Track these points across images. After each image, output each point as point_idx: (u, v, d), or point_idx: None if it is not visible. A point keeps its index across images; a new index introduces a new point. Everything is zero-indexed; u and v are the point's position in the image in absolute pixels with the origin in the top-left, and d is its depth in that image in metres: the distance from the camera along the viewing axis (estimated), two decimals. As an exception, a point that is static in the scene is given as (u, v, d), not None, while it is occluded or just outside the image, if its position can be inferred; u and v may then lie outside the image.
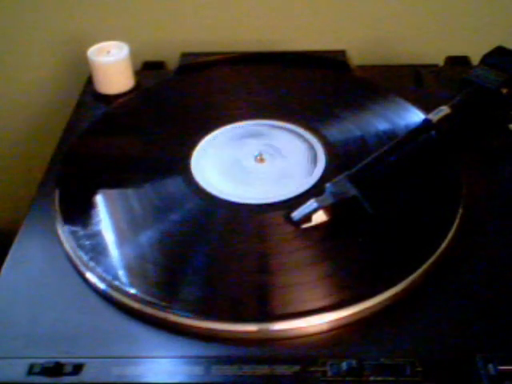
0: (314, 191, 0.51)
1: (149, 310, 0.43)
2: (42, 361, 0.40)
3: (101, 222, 0.50)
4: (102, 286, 0.45)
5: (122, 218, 0.51)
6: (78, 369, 0.39)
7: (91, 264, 0.46)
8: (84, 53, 0.66)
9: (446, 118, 0.56)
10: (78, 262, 0.47)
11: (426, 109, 0.59)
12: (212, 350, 0.41)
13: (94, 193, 0.53)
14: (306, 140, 0.58)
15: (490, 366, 0.38)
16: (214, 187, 0.53)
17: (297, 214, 0.49)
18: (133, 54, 0.67)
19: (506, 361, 0.39)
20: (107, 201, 0.53)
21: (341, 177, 0.51)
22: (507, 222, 0.50)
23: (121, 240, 0.49)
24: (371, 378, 0.38)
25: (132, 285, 0.44)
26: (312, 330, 0.42)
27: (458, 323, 0.42)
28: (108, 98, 0.67)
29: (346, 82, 0.68)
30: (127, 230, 0.50)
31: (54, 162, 0.58)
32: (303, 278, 0.45)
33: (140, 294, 0.43)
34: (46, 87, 0.82)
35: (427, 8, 0.75)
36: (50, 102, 0.83)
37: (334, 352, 0.40)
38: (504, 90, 0.57)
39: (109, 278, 0.45)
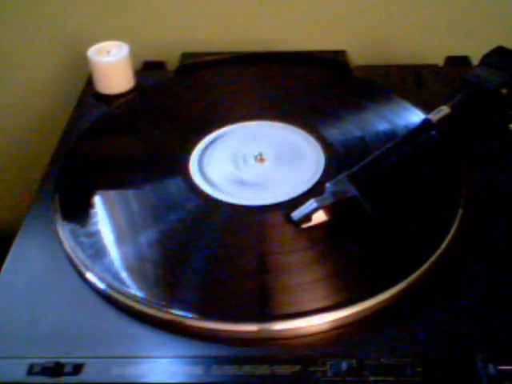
0: (314, 191, 0.51)
1: (149, 310, 0.43)
2: (42, 361, 0.40)
3: (101, 222, 0.50)
4: (101, 285, 0.45)
5: (121, 218, 0.51)
6: (77, 369, 0.39)
7: (91, 264, 0.46)
8: (84, 53, 0.66)
9: (445, 117, 0.56)
10: (77, 262, 0.47)
11: (426, 109, 0.59)
12: (212, 350, 0.41)
13: (93, 193, 0.53)
14: (306, 140, 0.58)
15: (490, 366, 0.38)
16: (214, 187, 0.53)
17: (297, 214, 0.49)
18: (133, 54, 0.67)
19: (506, 361, 0.39)
20: (107, 201, 0.53)
21: (341, 176, 0.51)
22: (507, 222, 0.50)
23: (121, 240, 0.49)
24: (371, 378, 0.39)
25: (132, 285, 0.44)
26: (312, 329, 0.42)
27: (458, 323, 0.42)
28: (108, 98, 0.67)
29: (346, 82, 0.68)
30: (127, 230, 0.50)
31: (54, 162, 0.58)
32: (303, 278, 0.45)
33: (140, 294, 0.44)
34: (46, 87, 0.82)
35: (427, 8, 0.75)
36: (50, 101, 0.83)
37: (334, 352, 0.40)
38: (504, 90, 0.57)
39: (109, 277, 0.45)
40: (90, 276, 0.46)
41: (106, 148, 0.60)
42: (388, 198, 0.51)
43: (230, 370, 0.39)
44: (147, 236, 0.49)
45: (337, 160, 0.55)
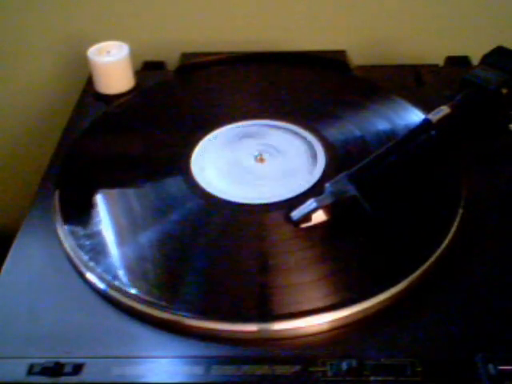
0: (314, 191, 0.51)
1: (149, 309, 0.43)
2: (42, 361, 0.40)
3: (101, 222, 0.50)
4: (101, 285, 0.45)
5: (121, 217, 0.51)
6: (77, 369, 0.39)
7: (91, 264, 0.46)
8: (84, 53, 0.66)
9: (445, 117, 0.56)
10: (77, 262, 0.47)
11: (426, 109, 0.59)
12: (212, 350, 0.41)
13: (93, 193, 0.53)
14: (306, 140, 0.58)
15: (490, 365, 0.38)
16: (214, 187, 0.53)
17: (296, 214, 0.49)
18: (133, 54, 0.67)
19: (506, 361, 0.39)
20: (107, 201, 0.53)
21: (340, 176, 0.50)
22: (507, 222, 0.50)
23: (121, 240, 0.49)
24: (371, 378, 0.39)
25: (132, 285, 0.44)
26: (312, 329, 0.42)
27: (458, 323, 0.42)
28: (108, 98, 0.67)
29: (346, 82, 0.68)
30: (127, 229, 0.50)
31: (54, 162, 0.58)
32: (303, 278, 0.45)
33: (140, 294, 0.44)
34: (46, 87, 0.82)
35: (427, 8, 0.75)
36: (50, 101, 0.83)
37: (334, 352, 0.40)
38: (504, 90, 0.57)
39: (109, 277, 0.45)
40: (89, 276, 0.46)
41: (105, 148, 0.60)
42: (388, 197, 0.51)
43: (230, 370, 0.39)
44: (147, 236, 0.49)
45: (337, 160, 0.55)
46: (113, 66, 0.66)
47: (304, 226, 0.48)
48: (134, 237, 0.49)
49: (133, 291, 0.44)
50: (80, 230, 0.49)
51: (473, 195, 0.51)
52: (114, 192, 0.54)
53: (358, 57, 0.73)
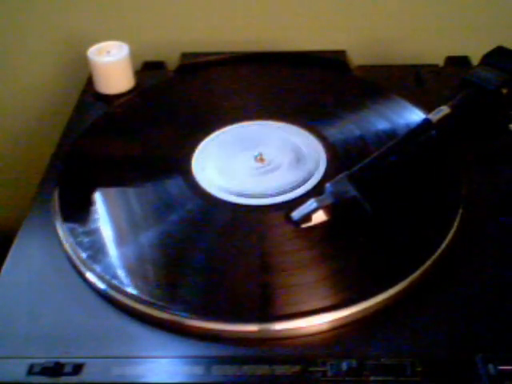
0: (314, 191, 0.51)
1: (149, 310, 0.43)
2: (42, 361, 0.40)
3: (101, 223, 0.50)
4: (101, 286, 0.45)
5: (122, 218, 0.51)
6: (77, 369, 0.39)
7: (91, 264, 0.46)
8: (84, 53, 0.66)
9: (445, 117, 0.56)
10: (77, 262, 0.47)
11: (426, 109, 0.59)
12: (212, 350, 0.41)
13: (94, 193, 0.53)
14: (306, 140, 0.58)
15: (490, 365, 0.38)
16: (215, 187, 0.53)
17: (296, 214, 0.49)
18: (133, 54, 0.67)
19: (506, 361, 0.39)
20: (107, 201, 0.53)
21: (340, 176, 0.51)
22: (507, 222, 0.50)
23: (121, 240, 0.49)
24: (371, 378, 0.39)
25: (132, 285, 0.44)
26: (312, 329, 0.42)
27: (458, 323, 0.42)
28: (108, 98, 0.67)
29: (346, 82, 0.68)
30: (127, 230, 0.50)
31: (54, 162, 0.58)
32: (303, 278, 0.45)
33: (140, 294, 0.43)
34: (46, 87, 0.82)
35: (427, 8, 0.75)
36: (50, 101, 0.83)
37: (334, 352, 0.40)
38: (504, 90, 0.57)
39: (109, 278, 0.45)
40: (89, 276, 0.46)
41: (106, 148, 0.60)
42: (388, 198, 0.51)
43: (230, 370, 0.39)
44: (147, 236, 0.49)
45: (338, 160, 0.55)
46: (113, 65, 0.66)
47: (304, 226, 0.48)
48: (135, 237, 0.49)
49: (133, 291, 0.44)
50: (80, 230, 0.49)
51: (473, 195, 0.51)
52: (115, 192, 0.54)
53: (358, 57, 0.73)
